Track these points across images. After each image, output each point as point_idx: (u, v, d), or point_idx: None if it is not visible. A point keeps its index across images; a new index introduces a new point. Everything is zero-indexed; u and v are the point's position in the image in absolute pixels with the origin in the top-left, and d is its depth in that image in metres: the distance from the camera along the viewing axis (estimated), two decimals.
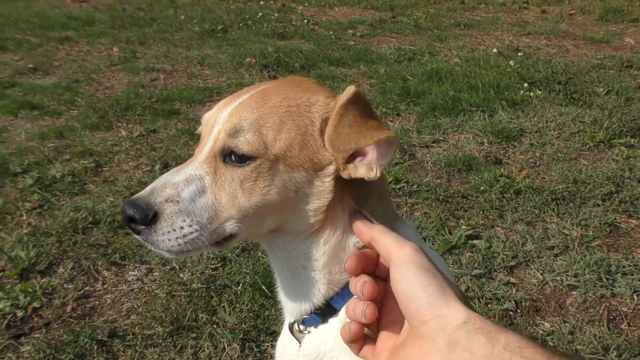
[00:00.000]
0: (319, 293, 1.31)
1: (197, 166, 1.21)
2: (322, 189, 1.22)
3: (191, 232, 1.16)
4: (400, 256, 1.10)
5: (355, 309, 1.10)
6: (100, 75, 7.40)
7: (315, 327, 1.36)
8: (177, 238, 1.15)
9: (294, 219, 1.24)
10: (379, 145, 1.16)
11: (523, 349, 0.90)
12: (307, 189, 1.21)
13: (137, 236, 1.19)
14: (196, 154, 1.25)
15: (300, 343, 1.41)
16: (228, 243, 1.24)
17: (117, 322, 3.04)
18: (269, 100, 1.23)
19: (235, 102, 1.26)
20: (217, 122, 1.24)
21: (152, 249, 1.19)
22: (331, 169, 1.21)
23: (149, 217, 1.14)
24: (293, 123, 1.21)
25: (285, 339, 1.52)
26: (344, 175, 1.21)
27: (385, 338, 1.14)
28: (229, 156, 1.20)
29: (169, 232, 1.15)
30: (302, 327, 1.38)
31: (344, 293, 1.29)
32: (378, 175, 1.18)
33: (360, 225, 1.21)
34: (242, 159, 1.18)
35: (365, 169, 1.19)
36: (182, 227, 1.15)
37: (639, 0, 11.36)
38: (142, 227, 1.15)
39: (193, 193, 1.17)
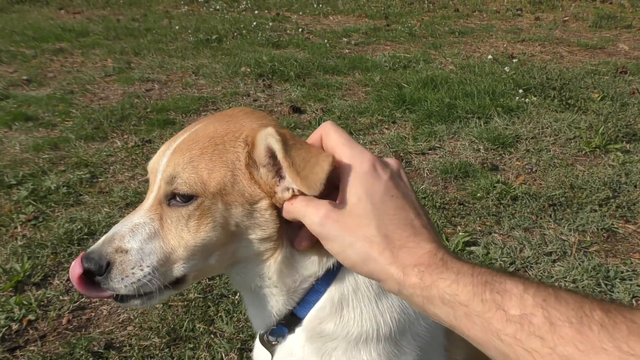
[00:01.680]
0: (279, 305, 1.34)
1: (142, 214, 1.26)
2: (264, 220, 1.24)
3: (144, 276, 1.21)
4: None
5: None
6: (94, 86, 7.38)
7: (283, 338, 1.39)
8: (132, 283, 1.21)
9: (242, 249, 1.28)
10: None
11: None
12: (247, 221, 1.24)
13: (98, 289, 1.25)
14: (145, 201, 1.30)
15: (272, 354, 1.44)
16: (181, 286, 1.29)
17: (114, 333, 3.01)
18: (198, 142, 1.26)
19: (170, 149, 1.29)
20: (159, 169, 1.28)
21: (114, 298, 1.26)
22: (264, 203, 1.22)
23: (103, 268, 1.20)
24: (221, 161, 1.23)
25: (259, 351, 1.55)
26: (279, 204, 1.21)
27: None
28: (174, 198, 1.24)
29: (122, 279, 1.20)
30: (271, 338, 1.40)
31: (306, 300, 1.31)
32: (290, 196, 1.17)
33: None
34: (185, 199, 1.22)
35: (283, 194, 1.20)
36: (133, 273, 1.21)
37: (632, 7, 11.42)
38: (99, 277, 1.21)
39: (140, 241, 1.23)
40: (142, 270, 1.21)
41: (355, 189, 1.04)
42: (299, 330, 1.35)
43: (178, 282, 1.27)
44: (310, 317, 1.31)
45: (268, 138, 1.17)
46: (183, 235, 1.22)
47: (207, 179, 1.21)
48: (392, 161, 1.12)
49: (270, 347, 1.43)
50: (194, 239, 1.22)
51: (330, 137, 1.13)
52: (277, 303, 1.33)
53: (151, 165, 1.34)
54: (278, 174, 1.20)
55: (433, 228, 1.06)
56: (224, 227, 1.23)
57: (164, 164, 1.27)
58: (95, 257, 1.21)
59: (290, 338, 1.37)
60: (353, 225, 1.03)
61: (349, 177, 1.05)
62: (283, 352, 1.40)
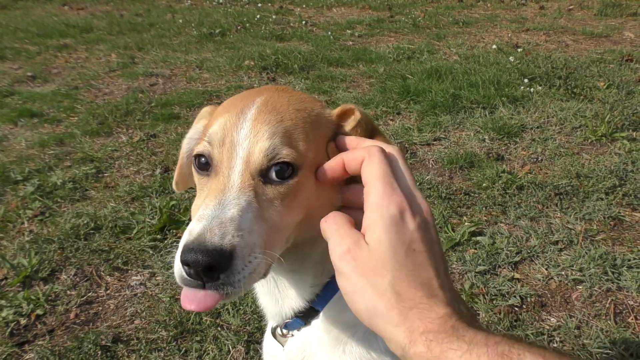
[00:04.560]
0: (302, 296, 1.29)
1: (237, 193, 1.10)
2: (336, 198, 1.20)
3: (259, 264, 1.05)
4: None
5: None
6: (99, 82, 7.39)
7: (298, 330, 1.35)
8: (250, 273, 1.04)
9: (312, 228, 1.16)
10: None
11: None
12: (325, 197, 1.19)
13: (204, 289, 1.05)
14: (221, 181, 1.13)
15: (283, 346, 1.40)
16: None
17: (121, 327, 3.02)
18: (283, 113, 1.18)
19: (247, 118, 1.17)
20: (238, 142, 1.15)
21: (225, 295, 1.06)
22: None
23: (229, 259, 1.01)
24: (315, 134, 1.18)
25: (269, 341, 1.52)
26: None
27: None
28: (267, 175, 1.12)
29: (242, 269, 1.03)
30: (284, 331, 1.36)
31: (325, 294, 1.27)
32: None
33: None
34: (283, 174, 1.12)
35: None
36: (250, 261, 1.04)
37: None
38: (220, 273, 1.02)
39: (249, 223, 1.06)
40: (256, 257, 1.05)
41: (378, 231, 0.96)
42: (315, 322, 1.31)
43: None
44: (329, 307, 1.28)
45: (366, 118, 1.22)
46: (282, 213, 1.12)
47: (305, 151, 1.14)
48: (424, 206, 1.02)
49: (282, 339, 1.39)
50: (292, 218, 1.13)
51: (373, 164, 1.03)
52: (300, 295, 1.28)
53: (220, 137, 1.18)
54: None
55: (451, 289, 0.96)
56: (322, 197, 1.17)
57: (246, 134, 1.15)
58: (217, 248, 1.00)
59: (305, 330, 1.35)
60: (369, 271, 0.94)
61: (374, 217, 0.97)
62: (296, 344, 1.38)
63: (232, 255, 1.01)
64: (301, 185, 1.13)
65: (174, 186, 1.55)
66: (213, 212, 1.07)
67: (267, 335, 1.54)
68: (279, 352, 1.44)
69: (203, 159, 1.20)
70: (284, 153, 1.11)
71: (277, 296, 1.33)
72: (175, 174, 1.53)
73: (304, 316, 1.31)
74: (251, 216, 1.07)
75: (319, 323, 1.31)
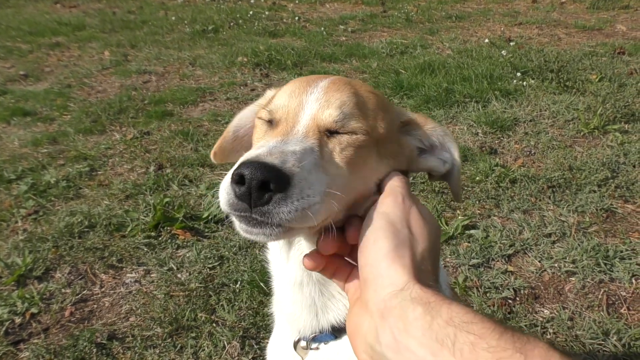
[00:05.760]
0: (342, 308, 1.25)
1: (302, 138, 1.08)
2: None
3: (317, 203, 0.99)
4: (378, 204, 1.07)
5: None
6: (92, 80, 7.37)
7: (325, 344, 1.29)
8: (304, 208, 0.97)
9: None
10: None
11: (470, 325, 0.80)
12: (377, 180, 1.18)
13: (248, 213, 0.98)
14: (281, 132, 1.11)
15: (303, 359, 1.34)
16: (321, 224, 1.07)
17: (116, 324, 3.03)
18: (359, 90, 1.20)
19: (317, 87, 1.17)
20: (306, 103, 1.14)
21: (254, 230, 1.00)
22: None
23: (289, 180, 0.96)
24: (386, 115, 1.21)
25: (279, 353, 1.46)
26: (409, 168, 1.29)
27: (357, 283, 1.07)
28: (335, 132, 1.12)
29: (297, 200, 0.96)
30: (310, 343, 1.31)
31: None
32: (448, 169, 1.30)
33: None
34: (351, 133, 1.12)
35: (435, 162, 1.30)
36: (309, 195, 0.98)
37: None
38: (274, 194, 0.95)
39: (310, 164, 1.02)
40: (314, 197, 0.99)
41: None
42: (345, 337, 1.22)
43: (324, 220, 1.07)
44: None
45: (452, 142, 1.30)
46: (341, 172, 1.08)
47: (373, 124, 1.16)
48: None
49: (302, 352, 1.33)
50: (350, 179, 1.09)
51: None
52: (342, 306, 1.25)
53: (286, 102, 1.17)
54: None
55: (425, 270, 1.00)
56: (374, 174, 1.17)
57: (317, 97, 1.15)
58: (278, 165, 0.95)
59: (333, 344, 1.28)
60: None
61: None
62: (320, 358, 1.30)
63: (289, 180, 0.96)
64: (366, 151, 1.13)
65: (211, 156, 1.49)
66: (275, 143, 1.04)
67: (276, 346, 1.48)
68: None
69: (266, 117, 1.21)
70: (353, 121, 1.13)
71: (318, 309, 1.27)
72: (216, 144, 1.47)
73: (338, 330, 1.27)
74: (313, 160, 1.04)
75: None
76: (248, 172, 0.93)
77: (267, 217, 0.96)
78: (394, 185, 1.11)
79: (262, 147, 1.02)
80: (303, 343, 1.32)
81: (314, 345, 1.30)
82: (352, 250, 1.12)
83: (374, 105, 1.19)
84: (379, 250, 0.96)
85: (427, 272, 0.97)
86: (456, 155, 1.28)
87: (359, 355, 0.96)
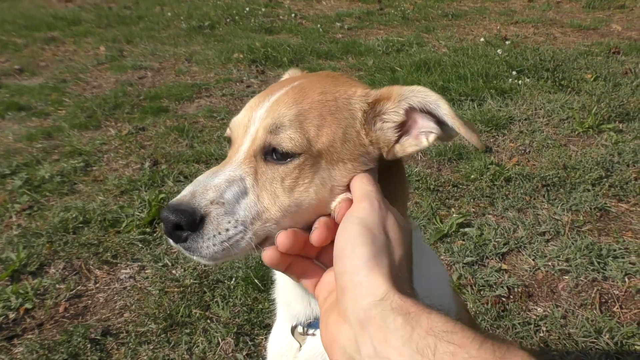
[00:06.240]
0: None
1: (236, 167, 1.16)
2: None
3: (236, 234, 1.10)
4: (353, 209, 1.06)
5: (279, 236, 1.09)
6: (87, 75, 7.35)
7: None
8: (222, 242, 1.09)
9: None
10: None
11: (450, 334, 0.81)
12: (342, 186, 1.17)
13: (176, 245, 1.13)
14: (230, 156, 1.20)
15: (301, 345, 1.37)
16: (263, 246, 1.15)
17: (110, 320, 3.03)
18: (306, 96, 1.19)
19: (270, 100, 1.21)
20: (252, 121, 1.20)
21: (194, 257, 1.13)
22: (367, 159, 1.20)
23: (197, 222, 1.08)
24: (333, 117, 1.18)
25: (280, 339, 1.48)
26: (389, 157, 1.21)
27: (329, 283, 1.08)
28: (270, 154, 1.16)
29: (214, 235, 1.09)
30: (306, 329, 1.34)
31: None
32: (432, 141, 1.19)
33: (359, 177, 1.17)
34: (285, 156, 1.14)
35: (414, 142, 1.21)
36: (227, 229, 1.10)
37: None
38: (189, 233, 1.09)
39: (236, 194, 1.12)
40: (236, 227, 1.10)
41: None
42: None
43: (260, 244, 1.15)
44: None
45: (428, 97, 1.17)
46: (278, 194, 1.14)
47: (315, 135, 1.15)
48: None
49: (300, 338, 1.36)
50: (289, 199, 1.14)
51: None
52: None
53: (240, 118, 1.25)
54: (400, 130, 1.22)
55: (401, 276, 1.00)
56: (318, 190, 1.15)
57: (262, 115, 1.19)
58: (188, 209, 1.08)
59: None
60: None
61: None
62: (317, 343, 1.31)
63: (203, 218, 1.08)
64: (305, 167, 1.14)
65: None
66: (204, 178, 1.15)
67: (277, 332, 1.51)
68: (292, 350, 1.41)
69: (228, 134, 1.29)
70: (285, 135, 1.14)
71: (310, 298, 1.30)
72: None
73: None
74: (239, 188, 1.13)
75: None
76: (162, 216, 1.09)
77: (192, 252, 1.11)
78: (367, 190, 1.09)
79: (194, 183, 1.14)
80: (300, 329, 1.35)
81: (310, 332, 1.34)
82: (322, 253, 1.13)
83: (318, 113, 1.18)
84: (357, 258, 0.96)
85: (404, 279, 0.97)
86: (441, 108, 1.16)
87: None
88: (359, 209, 1.05)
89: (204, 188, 1.11)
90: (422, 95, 1.18)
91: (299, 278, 1.14)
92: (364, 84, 1.33)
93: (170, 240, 1.13)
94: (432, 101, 1.17)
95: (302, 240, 1.10)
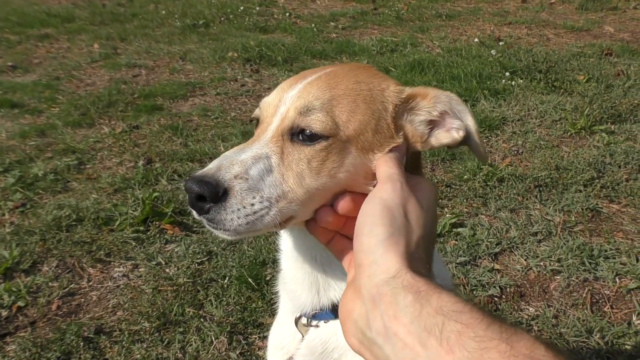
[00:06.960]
0: (344, 287, 1.28)
1: (263, 145, 1.17)
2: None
3: (261, 209, 1.12)
4: (376, 190, 1.09)
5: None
6: (81, 72, 7.33)
7: (325, 322, 1.34)
8: (247, 215, 1.10)
9: None
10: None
11: (458, 314, 0.83)
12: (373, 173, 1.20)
13: (200, 217, 1.14)
14: (258, 134, 1.21)
15: (303, 335, 1.38)
16: (286, 224, 1.19)
17: (104, 318, 3.03)
18: (340, 82, 1.21)
19: (302, 82, 1.23)
20: (283, 101, 1.21)
21: (216, 231, 1.15)
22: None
23: (219, 194, 1.09)
24: (367, 107, 1.20)
25: (282, 330, 1.50)
26: (425, 148, 1.26)
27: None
28: (297, 135, 1.17)
29: (238, 209, 1.10)
30: (310, 320, 1.36)
31: None
32: (461, 137, 1.24)
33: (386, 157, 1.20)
34: (312, 138, 1.15)
35: (448, 135, 1.25)
36: (252, 204, 1.11)
37: None
38: (211, 204, 1.10)
39: (261, 171, 1.13)
40: (261, 202, 1.11)
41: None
42: None
43: (284, 222, 1.17)
44: None
45: (459, 106, 1.24)
46: (304, 176, 1.15)
47: (345, 121, 1.17)
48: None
49: (303, 328, 1.38)
50: (317, 182, 1.15)
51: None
52: (342, 285, 1.26)
53: (271, 98, 1.26)
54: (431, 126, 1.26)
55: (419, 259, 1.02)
56: (349, 174, 1.17)
57: (294, 96, 1.20)
58: (212, 181, 1.08)
59: (333, 323, 1.33)
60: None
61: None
62: (320, 336, 1.35)
63: (226, 191, 1.09)
64: (332, 150, 1.16)
65: None
66: (231, 153, 1.16)
67: (280, 324, 1.52)
68: (294, 341, 1.43)
69: (256, 115, 1.30)
70: (315, 117, 1.15)
71: (319, 287, 1.33)
72: None
73: (335, 309, 1.30)
74: (264, 166, 1.14)
75: None
76: (188, 186, 1.09)
77: (215, 224, 1.12)
78: (391, 172, 1.11)
79: (220, 157, 1.16)
80: (304, 320, 1.37)
81: (314, 323, 1.36)
82: (347, 223, 1.17)
83: (352, 100, 1.20)
84: (375, 237, 0.98)
85: (420, 259, 1.00)
86: (468, 119, 1.23)
87: (348, 340, 0.99)
88: (382, 189, 1.08)
89: (230, 162, 1.13)
90: (455, 102, 1.24)
91: (338, 254, 1.18)
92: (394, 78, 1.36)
93: (194, 212, 1.13)
94: (463, 110, 1.23)
95: (348, 214, 1.16)
